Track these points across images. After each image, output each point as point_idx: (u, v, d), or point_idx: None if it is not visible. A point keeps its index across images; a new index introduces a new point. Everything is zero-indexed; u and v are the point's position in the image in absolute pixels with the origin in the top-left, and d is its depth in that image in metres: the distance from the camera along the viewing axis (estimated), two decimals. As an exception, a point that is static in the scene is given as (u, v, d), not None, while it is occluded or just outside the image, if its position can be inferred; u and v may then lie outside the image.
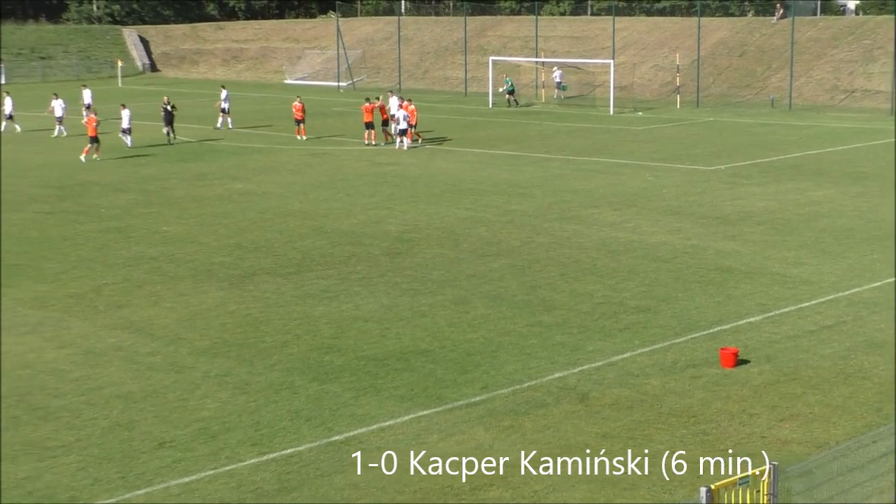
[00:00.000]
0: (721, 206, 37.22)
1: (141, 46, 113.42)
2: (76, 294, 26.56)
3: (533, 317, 24.39)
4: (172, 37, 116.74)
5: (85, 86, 70.48)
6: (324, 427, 18.11)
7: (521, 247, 31.34)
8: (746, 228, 33.53)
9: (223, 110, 62.05)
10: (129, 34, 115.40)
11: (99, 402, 19.28)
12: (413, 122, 53.24)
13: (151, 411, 18.86)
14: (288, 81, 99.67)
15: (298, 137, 56.21)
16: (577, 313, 24.66)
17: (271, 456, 16.96)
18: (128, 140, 52.92)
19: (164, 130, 53.78)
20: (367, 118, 54.28)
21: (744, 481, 12.19)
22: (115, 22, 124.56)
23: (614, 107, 70.63)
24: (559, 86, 79.60)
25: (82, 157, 48.40)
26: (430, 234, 33.02)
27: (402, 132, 52.39)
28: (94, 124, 48.77)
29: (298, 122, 56.95)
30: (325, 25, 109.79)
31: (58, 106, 59.51)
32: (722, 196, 39.06)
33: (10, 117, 60.93)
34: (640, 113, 69.94)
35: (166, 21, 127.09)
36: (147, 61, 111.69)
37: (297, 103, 57.57)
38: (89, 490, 15.82)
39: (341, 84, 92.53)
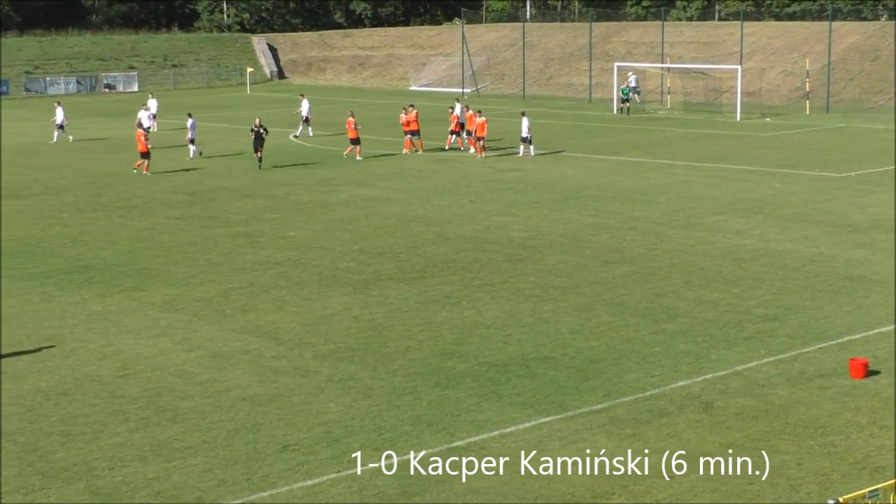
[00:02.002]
0: (851, 213, 36.41)
1: (269, 54, 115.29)
2: (204, 298, 27.08)
3: (656, 324, 24.15)
4: (300, 44, 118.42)
5: (152, 95, 70.82)
6: (445, 432, 18.16)
7: (644, 254, 31.06)
8: (877, 236, 32.74)
9: (305, 119, 62.16)
10: (258, 42, 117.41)
11: (225, 405, 19.62)
12: (482, 135, 52.12)
13: (276, 414, 19.12)
14: (412, 88, 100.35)
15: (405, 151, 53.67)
16: (702, 321, 24.34)
17: (393, 460, 17.05)
18: (191, 150, 53.24)
19: (256, 155, 48.70)
20: (409, 127, 53.30)
21: (873, 494, 11.90)
22: (245, 30, 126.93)
23: (741, 113, 69.60)
24: (634, 90, 78.70)
25: (135, 170, 48.53)
26: (553, 241, 32.92)
27: (525, 139, 52.22)
28: (144, 139, 48.37)
29: (412, 133, 53.77)
30: (450, 32, 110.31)
31: (59, 113, 60.11)
32: (852, 203, 38.21)
33: (62, 127, 60.99)
34: (768, 119, 68.79)
35: (294, 29, 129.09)
36: (275, 68, 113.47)
37: (404, 115, 54.43)
38: (215, 491, 16.09)
39: (465, 90, 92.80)
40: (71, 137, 60.48)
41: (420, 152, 53.27)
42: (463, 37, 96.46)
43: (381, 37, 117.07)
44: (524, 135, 52.05)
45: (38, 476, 16.68)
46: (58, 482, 16.45)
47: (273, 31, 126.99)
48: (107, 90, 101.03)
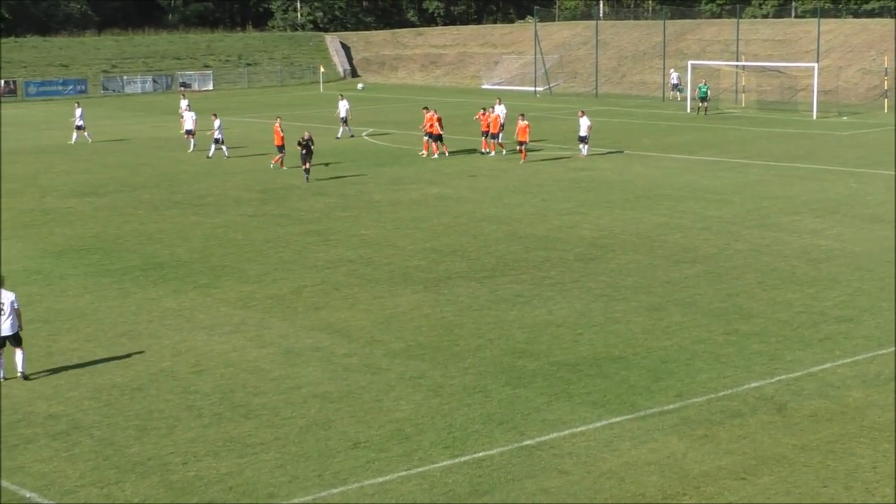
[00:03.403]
0: (930, 213, 35.81)
1: (342, 52, 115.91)
2: (277, 295, 27.29)
3: (729, 325, 23.93)
4: (373, 42, 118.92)
5: (183, 95, 69.80)
6: (516, 431, 18.14)
7: (717, 254, 30.79)
8: (957, 237, 32.18)
9: (343, 119, 61.72)
10: (331, 40, 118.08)
11: (297, 401, 19.75)
12: (495, 131, 52.06)
13: (347, 411, 19.22)
14: (484, 86, 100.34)
15: (434, 155, 51.93)
16: (776, 322, 24.08)
17: (463, 459, 17.08)
18: (212, 150, 53.20)
19: (304, 167, 45.34)
20: (433, 128, 51.85)
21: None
22: (318, 29, 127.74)
23: (817, 111, 68.74)
24: (676, 87, 77.61)
25: (271, 165, 49.10)
26: (625, 240, 32.74)
27: (581, 139, 51.90)
28: (279, 132, 48.64)
29: (434, 136, 51.82)
30: (523, 30, 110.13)
31: (78, 114, 60.10)
32: (931, 203, 37.58)
33: (80, 128, 60.51)
34: (846, 117, 67.87)
35: (367, 27, 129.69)
36: (348, 66, 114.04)
37: (429, 115, 52.66)
38: (286, 487, 16.22)
39: (538, 89, 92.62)
40: (90, 139, 60.38)
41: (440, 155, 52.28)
42: (536, 35, 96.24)
43: (453, 35, 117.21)
44: (582, 134, 51.75)
45: (113, 470, 16.91)
46: (133, 476, 16.68)
47: (346, 29, 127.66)
48: (182, 88, 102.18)
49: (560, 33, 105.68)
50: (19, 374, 21.01)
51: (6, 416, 19.27)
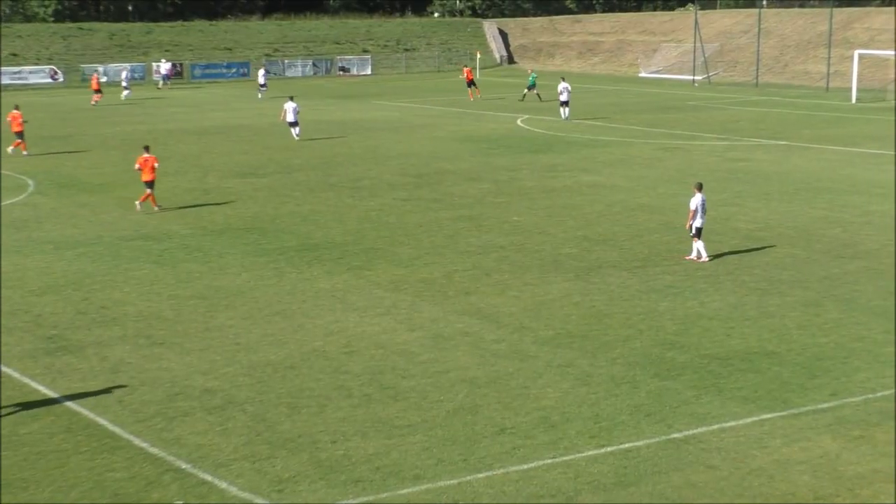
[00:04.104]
0: None
1: (500, 38, 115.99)
2: (428, 279, 27.50)
3: (890, 323, 23.25)
4: (530, 29, 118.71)
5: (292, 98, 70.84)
6: (663, 424, 17.96)
7: (879, 249, 29.93)
8: None
9: (564, 102, 61.91)
10: (489, 26, 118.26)
11: (445, 385, 19.89)
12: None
13: (494, 397, 19.28)
14: (642, 74, 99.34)
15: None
16: (938, 322, 23.32)
17: (609, 449, 16.98)
18: (294, 131, 54.21)
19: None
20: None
21: None
22: (476, 15, 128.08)
23: None
24: None
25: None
26: (782, 233, 32.08)
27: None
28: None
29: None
30: (683, 18, 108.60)
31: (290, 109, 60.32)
32: None
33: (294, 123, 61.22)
34: None
35: (525, 14, 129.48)
36: (504, 53, 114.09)
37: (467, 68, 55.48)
38: (433, 470, 16.35)
39: (696, 78, 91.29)
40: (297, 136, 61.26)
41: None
42: (696, 23, 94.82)
43: (611, 22, 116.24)
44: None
45: (265, 445, 17.29)
46: (283, 452, 17.02)
47: (504, 16, 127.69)
48: (341, 73, 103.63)
49: (721, 21, 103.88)
50: None
51: (166, 388, 19.86)
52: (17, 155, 49.01)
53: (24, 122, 50.12)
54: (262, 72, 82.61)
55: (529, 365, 20.95)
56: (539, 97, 73.68)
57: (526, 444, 17.19)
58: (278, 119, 56.61)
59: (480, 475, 16.13)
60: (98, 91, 75.57)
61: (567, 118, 61.33)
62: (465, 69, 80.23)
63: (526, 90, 74.32)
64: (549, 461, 16.55)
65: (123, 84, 79.70)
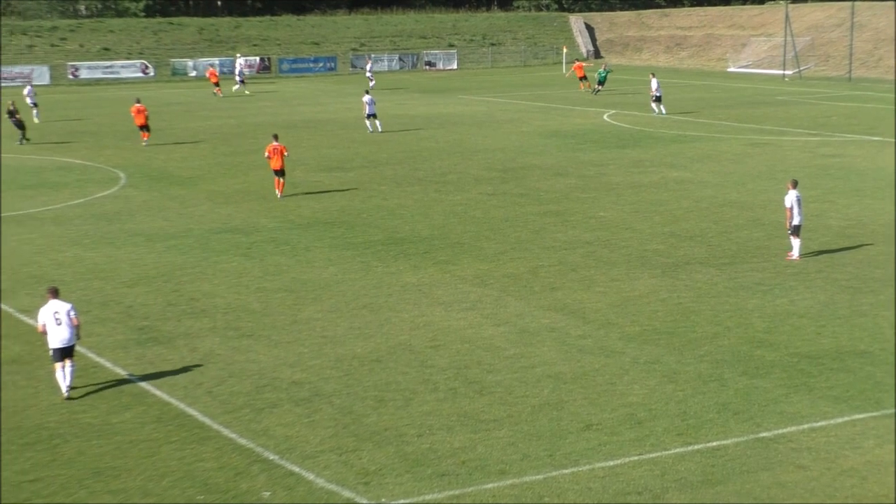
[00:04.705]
0: None
1: (586, 33, 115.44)
2: (513, 274, 27.46)
3: (985, 323, 22.76)
4: (617, 24, 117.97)
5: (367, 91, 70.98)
6: (752, 422, 17.76)
7: (975, 248, 29.31)
8: None
9: (657, 98, 61.66)
10: (576, 21, 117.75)
11: (530, 381, 19.86)
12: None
13: (580, 393, 19.21)
14: (731, 69, 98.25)
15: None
16: None
17: (696, 447, 16.84)
18: (368, 125, 54.79)
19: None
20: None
21: None
22: (563, 9, 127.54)
23: None
24: None
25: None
26: (875, 231, 31.53)
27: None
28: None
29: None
30: (773, 12, 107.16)
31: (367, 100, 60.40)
32: None
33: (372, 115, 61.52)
34: None
35: (612, 8, 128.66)
36: (591, 48, 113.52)
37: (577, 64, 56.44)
38: (518, 465, 16.34)
39: (786, 72, 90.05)
40: (380, 127, 61.03)
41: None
42: (787, 16, 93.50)
43: (700, 16, 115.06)
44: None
45: (351, 438, 17.41)
46: (369, 445, 17.12)
47: (591, 10, 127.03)
48: (427, 67, 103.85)
49: (812, 15, 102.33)
50: (65, 393, 19.42)
51: (254, 379, 20.08)
52: (137, 144, 50.25)
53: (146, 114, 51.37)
54: (369, 65, 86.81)
55: (615, 361, 20.85)
56: (594, 92, 73.27)
57: (612, 441, 17.11)
58: (362, 114, 57.01)
59: (566, 471, 16.09)
60: (217, 84, 77.73)
61: (662, 114, 60.79)
62: (577, 64, 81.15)
63: (598, 85, 73.72)
64: (636, 458, 16.46)
65: (237, 77, 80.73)
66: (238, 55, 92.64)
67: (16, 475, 16.24)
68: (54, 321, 19.33)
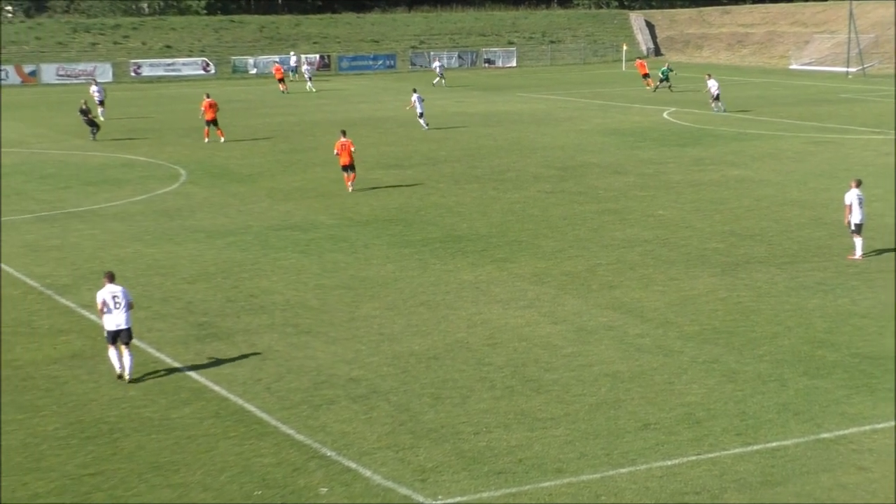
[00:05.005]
0: None
1: (646, 30, 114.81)
2: (571, 272, 27.38)
3: None
4: (678, 21, 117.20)
5: (415, 89, 70.99)
6: (812, 423, 17.58)
7: None
8: None
9: (715, 97, 61.11)
10: (636, 18, 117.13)
11: (588, 379, 19.79)
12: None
13: (638, 392, 19.12)
14: (793, 67, 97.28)
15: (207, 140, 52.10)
16: None
17: (756, 447, 16.69)
18: (717, 107, 58.28)
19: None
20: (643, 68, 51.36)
21: None
22: (623, 6, 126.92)
23: None
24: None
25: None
26: (939, 230, 31.09)
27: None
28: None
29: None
30: (837, 9, 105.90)
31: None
32: None
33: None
34: None
35: (672, 5, 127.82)
36: (651, 45, 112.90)
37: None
38: (575, 464, 16.29)
39: (850, 70, 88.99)
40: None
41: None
42: (850, 13, 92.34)
43: (762, 13, 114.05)
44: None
45: (408, 435, 17.44)
46: (426, 442, 17.15)
47: (651, 7, 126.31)
48: (486, 65, 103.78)
49: (876, 12, 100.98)
50: (127, 377, 20.13)
51: (312, 376, 20.17)
52: (199, 141, 50.76)
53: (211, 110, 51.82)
54: (437, 63, 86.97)
55: (674, 360, 20.72)
56: (654, 90, 73.00)
57: (670, 441, 17.01)
58: (408, 109, 57.26)
59: (623, 470, 16.02)
60: (282, 80, 78.74)
61: (721, 110, 60.31)
62: (638, 61, 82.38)
63: (659, 83, 73.41)
64: (694, 458, 16.35)
65: (307, 76, 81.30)
66: (292, 53, 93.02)
67: (77, 469, 16.45)
68: (113, 304, 20.06)
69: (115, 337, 20.17)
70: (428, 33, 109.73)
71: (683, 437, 17.11)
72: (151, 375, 20.41)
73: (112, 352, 20.26)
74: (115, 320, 20.08)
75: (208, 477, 16.09)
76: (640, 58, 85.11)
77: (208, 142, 51.23)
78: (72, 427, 18.05)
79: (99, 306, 20.28)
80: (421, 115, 55.25)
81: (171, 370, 20.71)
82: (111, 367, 20.37)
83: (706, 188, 38.42)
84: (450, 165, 44.26)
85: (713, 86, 61.13)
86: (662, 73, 74.04)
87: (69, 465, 16.57)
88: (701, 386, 19.34)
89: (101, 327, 20.66)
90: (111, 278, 20.43)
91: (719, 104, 60.96)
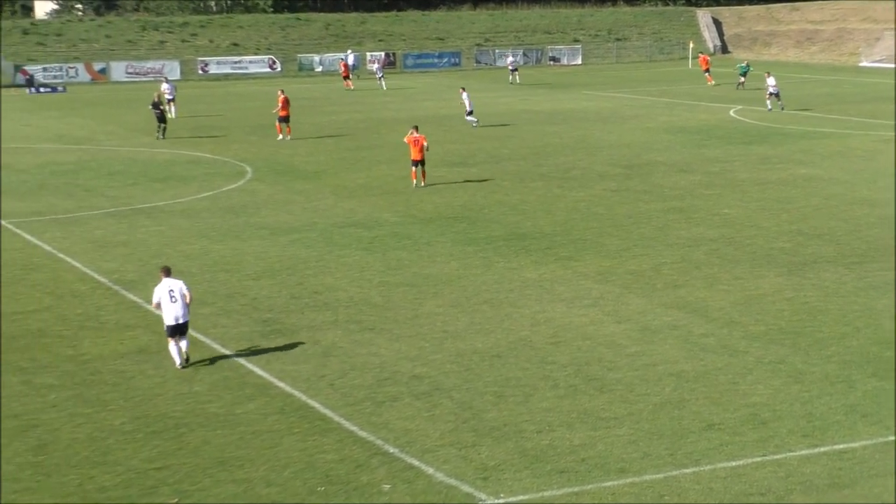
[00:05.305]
0: None
1: (713, 28, 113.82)
2: (636, 271, 27.23)
3: None
4: (746, 18, 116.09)
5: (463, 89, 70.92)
6: (881, 425, 17.34)
7: None
8: None
9: (774, 94, 60.35)
10: (703, 15, 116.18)
11: (652, 379, 19.67)
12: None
13: (702, 392, 18.97)
14: (863, 64, 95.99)
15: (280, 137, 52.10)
16: None
17: (822, 449, 16.50)
18: (470, 121, 54.77)
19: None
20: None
21: None
22: (690, 3, 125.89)
23: None
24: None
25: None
26: None
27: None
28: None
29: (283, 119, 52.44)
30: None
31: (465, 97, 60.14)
32: None
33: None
34: None
35: (740, 2, 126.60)
36: (718, 42, 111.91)
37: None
38: (638, 463, 16.20)
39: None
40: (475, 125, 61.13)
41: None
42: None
43: (832, 10, 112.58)
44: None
45: (471, 433, 17.44)
46: (489, 440, 17.13)
47: (719, 4, 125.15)
48: (551, 62, 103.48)
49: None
50: (178, 363, 20.77)
51: (375, 372, 20.23)
52: (264, 139, 51.22)
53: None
54: (510, 59, 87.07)
55: (739, 360, 20.54)
56: (738, 86, 72.38)
57: (734, 441, 16.86)
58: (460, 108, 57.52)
59: (687, 471, 15.91)
60: (347, 77, 79.58)
61: (780, 108, 59.61)
62: (702, 56, 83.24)
63: (740, 79, 72.95)
64: (759, 459, 16.20)
65: (378, 74, 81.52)
66: (349, 51, 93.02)
67: (143, 463, 16.63)
68: (169, 298, 20.61)
69: (175, 331, 20.68)
70: (493, 31, 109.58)
71: (749, 438, 16.95)
72: (216, 371, 20.59)
73: (172, 345, 20.80)
74: (173, 314, 20.63)
75: (272, 472, 16.20)
76: (702, 53, 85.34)
77: (282, 139, 51.40)
78: (138, 421, 18.25)
79: (154, 305, 21.00)
80: (470, 113, 55.25)
81: (236, 366, 20.88)
82: (172, 360, 20.81)
83: (773, 187, 38.03)
84: (514, 163, 44.19)
85: (771, 83, 60.43)
86: (741, 69, 73.45)
87: (135, 460, 16.76)
88: (766, 386, 19.15)
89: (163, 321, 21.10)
90: (167, 273, 21.06)
91: (778, 102, 60.16)
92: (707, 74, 78.08)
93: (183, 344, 20.84)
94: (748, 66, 74.89)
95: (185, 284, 21.10)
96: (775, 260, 27.97)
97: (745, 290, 25.33)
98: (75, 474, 16.28)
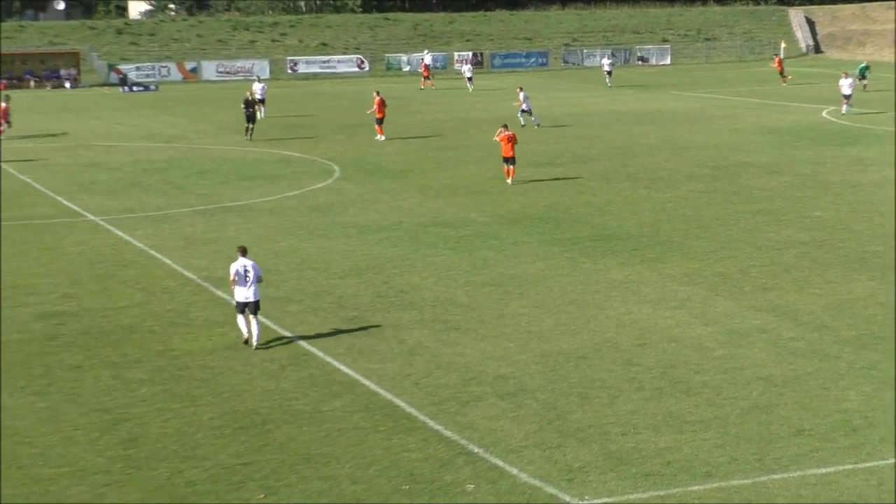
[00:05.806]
0: None
1: (806, 27, 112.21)
2: (723, 273, 26.93)
3: None
4: (839, 17, 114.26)
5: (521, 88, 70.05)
6: (975, 434, 16.96)
7: None
8: None
9: (845, 96, 58.95)
10: (795, 15, 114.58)
11: (739, 382, 19.44)
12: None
13: (791, 397, 18.71)
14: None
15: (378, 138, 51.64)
16: None
17: (915, 458, 16.19)
18: (533, 120, 55.27)
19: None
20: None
21: None
22: (782, 2, 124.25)
23: None
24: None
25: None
26: None
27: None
28: None
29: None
30: None
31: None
32: None
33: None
34: None
35: (835, 1, 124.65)
36: (811, 42, 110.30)
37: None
38: (725, 468, 16.02)
39: None
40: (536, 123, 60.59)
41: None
42: None
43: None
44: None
45: (555, 434, 17.38)
46: (573, 442, 17.07)
47: (811, 3, 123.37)
48: (640, 63, 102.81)
49: None
50: (254, 344, 21.73)
51: (460, 372, 20.25)
52: (352, 138, 51.79)
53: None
54: (605, 60, 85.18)
55: (830, 365, 20.22)
56: (863, 88, 70.92)
57: (825, 447, 16.60)
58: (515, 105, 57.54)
59: (775, 476, 15.70)
60: (427, 77, 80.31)
61: (851, 111, 58.23)
62: (776, 58, 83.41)
63: (860, 80, 71.01)
64: (850, 467, 15.94)
65: (467, 75, 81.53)
66: (426, 51, 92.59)
67: (230, 458, 16.82)
68: (242, 276, 21.62)
69: (244, 307, 21.84)
70: (581, 31, 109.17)
71: (839, 445, 16.69)
72: (303, 368, 20.75)
73: (240, 319, 21.95)
74: (244, 293, 21.72)
75: (357, 470, 16.28)
76: (776, 55, 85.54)
77: (380, 139, 51.40)
78: (226, 417, 18.46)
79: (231, 277, 21.83)
80: (529, 113, 55.19)
81: (322, 364, 21.02)
82: (239, 332, 21.83)
83: (866, 189, 37.40)
84: (601, 164, 43.97)
85: (844, 84, 58.99)
86: (860, 70, 71.99)
87: (223, 455, 16.95)
88: (858, 392, 18.83)
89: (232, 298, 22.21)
90: (244, 252, 22.10)
91: (848, 105, 58.61)
92: (781, 77, 77.78)
93: (254, 326, 21.72)
94: (867, 66, 73.49)
95: (257, 265, 22.02)
96: (868, 263, 27.50)
97: (836, 293, 24.94)
98: (164, 468, 16.51)
